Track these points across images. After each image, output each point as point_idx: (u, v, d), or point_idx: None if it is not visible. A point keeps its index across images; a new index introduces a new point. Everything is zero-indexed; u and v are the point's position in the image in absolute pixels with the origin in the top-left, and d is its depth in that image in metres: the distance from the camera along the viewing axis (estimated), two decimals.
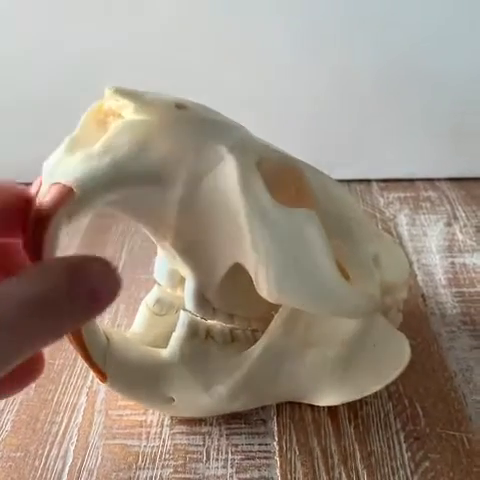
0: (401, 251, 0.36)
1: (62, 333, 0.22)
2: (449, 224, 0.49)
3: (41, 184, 0.25)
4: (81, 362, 0.36)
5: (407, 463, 0.30)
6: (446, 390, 0.34)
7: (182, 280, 0.32)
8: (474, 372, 0.35)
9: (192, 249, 0.28)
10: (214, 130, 0.27)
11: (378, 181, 0.55)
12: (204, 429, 0.32)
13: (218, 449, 0.31)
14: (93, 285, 0.22)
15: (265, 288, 0.26)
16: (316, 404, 0.32)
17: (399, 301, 0.35)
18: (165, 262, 0.32)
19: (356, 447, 0.31)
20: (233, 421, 0.33)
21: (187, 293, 0.29)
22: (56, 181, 0.24)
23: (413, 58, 0.50)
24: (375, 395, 0.34)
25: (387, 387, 0.34)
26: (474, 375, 0.35)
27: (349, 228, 0.30)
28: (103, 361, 0.28)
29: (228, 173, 0.26)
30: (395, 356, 0.31)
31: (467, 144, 0.53)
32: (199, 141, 0.26)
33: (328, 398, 0.31)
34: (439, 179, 0.55)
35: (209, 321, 0.30)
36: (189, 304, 0.29)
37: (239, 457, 0.31)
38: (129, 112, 0.26)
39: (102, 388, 0.34)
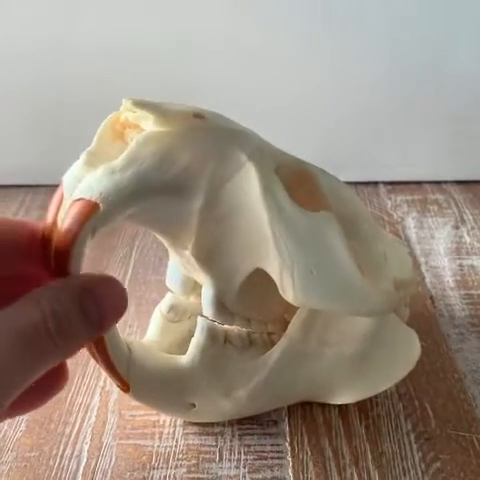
0: (404, 248, 0.36)
1: (75, 350, 0.23)
2: (457, 227, 0.50)
3: (61, 200, 0.26)
4: (94, 363, 0.36)
5: (418, 464, 0.31)
6: (456, 391, 0.34)
7: (195, 287, 0.32)
8: None
9: (212, 257, 0.28)
10: (232, 138, 0.27)
11: (385, 183, 0.56)
12: (216, 429, 0.33)
13: (231, 449, 0.32)
14: (105, 304, 0.23)
15: (290, 292, 0.27)
16: (332, 403, 0.33)
17: (406, 296, 0.35)
18: (178, 269, 0.32)
19: (367, 447, 0.32)
20: (245, 422, 0.33)
21: (205, 300, 0.29)
22: (79, 197, 0.25)
23: (421, 62, 0.50)
24: (385, 396, 0.34)
25: (397, 388, 0.35)
26: None
27: (360, 228, 0.30)
28: (126, 371, 0.28)
29: (249, 180, 0.26)
30: (406, 352, 0.32)
31: (475, 147, 0.54)
32: (218, 150, 0.27)
33: (343, 396, 0.32)
34: (446, 182, 0.55)
35: (226, 326, 0.30)
36: (208, 311, 0.29)
37: (252, 457, 0.31)
38: (148, 123, 0.26)
39: (115, 388, 0.35)
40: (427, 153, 0.54)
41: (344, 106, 0.52)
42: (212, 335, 0.29)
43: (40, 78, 0.51)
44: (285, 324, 0.30)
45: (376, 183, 0.56)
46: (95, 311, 0.23)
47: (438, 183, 0.55)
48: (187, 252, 0.28)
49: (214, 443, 0.32)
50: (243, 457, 0.31)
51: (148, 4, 0.48)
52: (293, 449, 0.32)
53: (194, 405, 0.30)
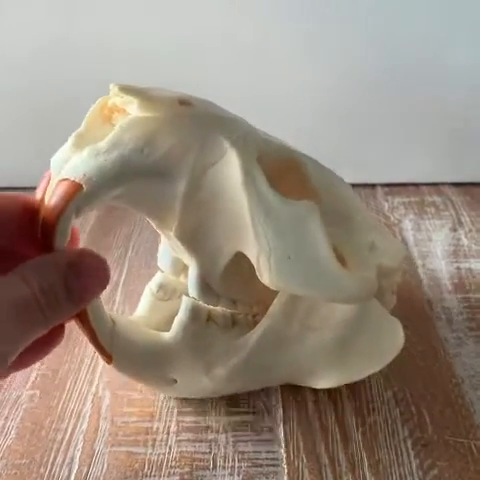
0: (395, 238, 0.37)
1: (58, 321, 0.25)
2: (454, 229, 0.49)
3: (49, 180, 0.27)
4: (86, 368, 0.36)
5: (415, 471, 0.30)
6: (453, 397, 0.34)
7: (185, 267, 0.32)
8: None
9: (195, 239, 0.28)
10: (217, 125, 0.28)
11: (382, 185, 0.55)
12: (210, 436, 0.32)
13: (225, 456, 0.31)
14: (86, 278, 0.25)
15: (267, 276, 0.27)
16: (315, 387, 0.33)
17: (393, 284, 0.35)
18: (168, 250, 0.33)
19: (364, 454, 0.31)
20: (239, 428, 0.32)
21: (191, 281, 0.30)
22: (64, 177, 0.26)
23: (419, 63, 0.50)
24: (382, 401, 0.34)
25: (394, 394, 0.34)
26: None
27: (348, 216, 0.31)
28: (110, 343, 0.29)
29: (230, 166, 0.27)
30: (390, 340, 0.32)
31: (472, 149, 0.53)
32: (202, 136, 0.27)
33: (326, 380, 0.32)
34: (444, 184, 0.55)
35: (210, 306, 0.30)
36: (193, 291, 0.30)
37: (246, 465, 0.31)
38: (133, 108, 0.27)
39: (107, 394, 0.34)
40: (424, 155, 0.54)
41: (341, 107, 0.52)
42: (195, 314, 0.30)
43: (36, 80, 0.51)
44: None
45: (373, 185, 0.55)
46: (78, 286, 0.25)
47: (435, 185, 0.55)
48: (172, 234, 0.28)
49: (208, 450, 0.31)
50: (237, 464, 0.31)
51: (147, 4, 0.48)
52: (288, 456, 0.31)
53: (175, 381, 0.31)
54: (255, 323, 0.31)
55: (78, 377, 0.36)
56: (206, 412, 0.33)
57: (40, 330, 0.24)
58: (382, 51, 0.49)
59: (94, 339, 0.29)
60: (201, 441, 0.32)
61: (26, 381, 0.35)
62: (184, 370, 0.31)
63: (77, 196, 0.25)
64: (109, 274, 0.26)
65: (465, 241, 0.48)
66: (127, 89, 0.27)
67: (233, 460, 0.31)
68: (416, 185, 0.55)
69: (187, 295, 0.30)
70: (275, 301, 0.30)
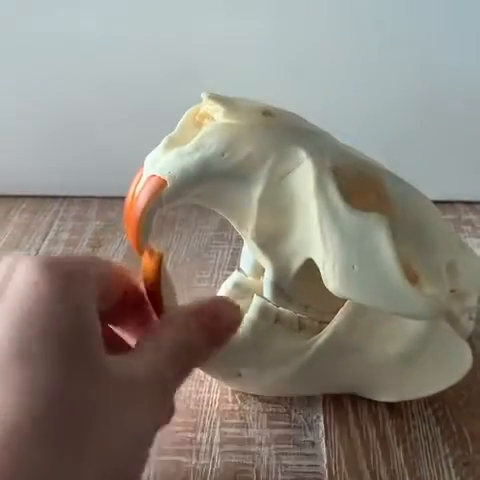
0: None
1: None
2: None
3: (141, 175, 0.30)
4: None
5: None
6: None
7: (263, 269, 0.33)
8: None
9: (270, 243, 0.30)
10: (296, 136, 0.30)
11: None
12: (253, 449, 0.33)
13: (268, 469, 0.32)
14: (224, 321, 0.29)
15: (331, 284, 0.28)
16: (375, 399, 0.34)
17: (471, 309, 0.36)
18: (250, 253, 0.35)
19: (405, 471, 0.31)
20: (282, 441, 0.33)
21: (265, 283, 0.31)
22: (152, 173, 0.29)
23: (455, 80, 0.50)
24: (423, 419, 0.34)
25: (434, 411, 0.34)
26: None
27: (425, 235, 0.31)
28: None
29: (305, 175, 0.29)
30: (456, 362, 0.33)
31: None
32: (281, 145, 0.29)
33: (387, 394, 0.34)
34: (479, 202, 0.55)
35: (280, 308, 0.32)
36: (266, 293, 0.31)
37: (289, 478, 0.31)
38: (219, 115, 0.29)
39: None
40: (459, 172, 0.54)
41: (375, 124, 0.52)
42: (263, 313, 0.31)
43: (76, 91, 0.52)
44: None
45: None
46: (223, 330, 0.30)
47: (471, 203, 0.55)
48: (249, 236, 0.30)
49: (251, 462, 0.32)
50: (280, 477, 0.31)
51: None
52: (330, 471, 0.31)
53: (240, 374, 0.33)
54: (321, 330, 0.32)
55: None
56: (248, 424, 0.34)
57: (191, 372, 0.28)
58: (422, 69, 0.50)
59: None
60: (244, 453, 0.32)
61: None
62: (249, 365, 0.32)
63: (162, 191, 0.28)
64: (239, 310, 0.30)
65: None
66: (216, 98, 0.29)
67: (276, 473, 0.31)
68: (451, 203, 0.55)
69: (260, 295, 0.32)
70: (341, 310, 0.31)
